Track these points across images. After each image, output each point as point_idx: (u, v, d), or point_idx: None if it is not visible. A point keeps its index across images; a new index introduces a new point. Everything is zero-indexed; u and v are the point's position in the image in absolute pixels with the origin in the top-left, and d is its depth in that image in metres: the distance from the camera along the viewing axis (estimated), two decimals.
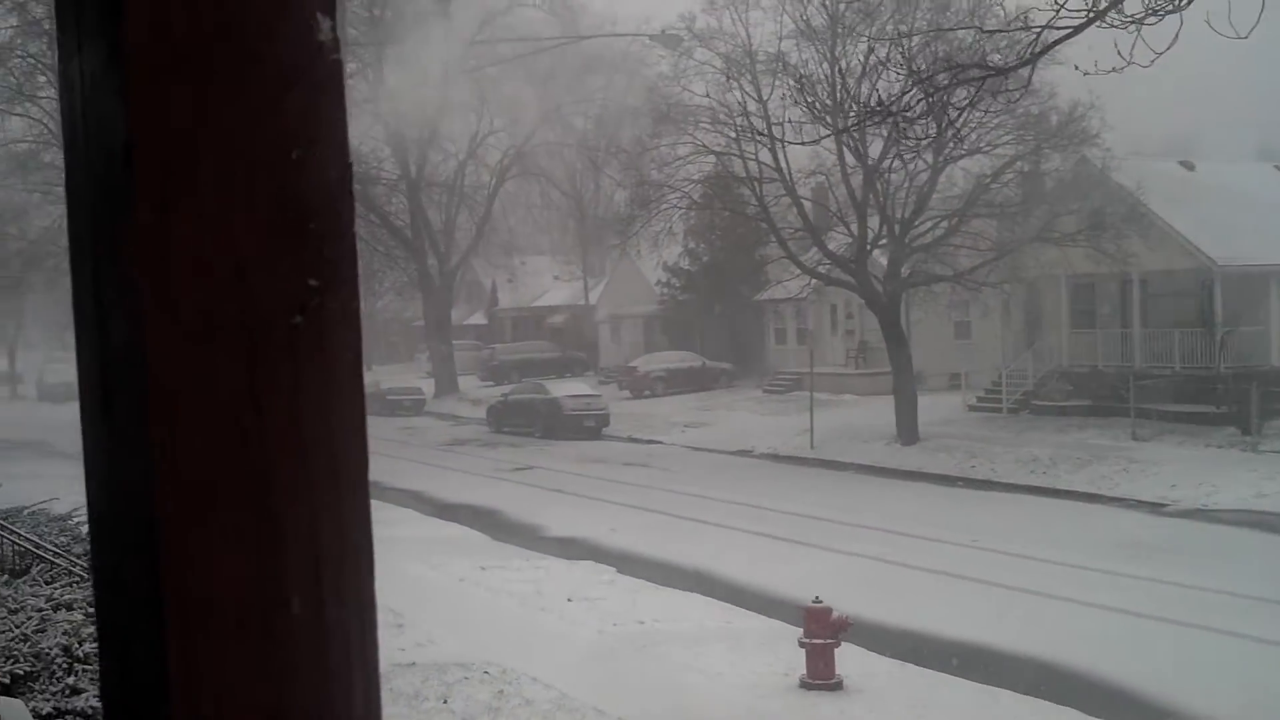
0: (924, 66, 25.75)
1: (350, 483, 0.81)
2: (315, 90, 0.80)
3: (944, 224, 30.03)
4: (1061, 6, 8.61)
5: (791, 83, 28.69)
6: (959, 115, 27.45)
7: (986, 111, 27.93)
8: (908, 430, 29.50)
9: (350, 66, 29.97)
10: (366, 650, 0.80)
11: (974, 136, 29.29)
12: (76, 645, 7.24)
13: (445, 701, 10.26)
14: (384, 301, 64.14)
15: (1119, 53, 7.12)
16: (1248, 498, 20.50)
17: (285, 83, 0.78)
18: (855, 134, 28.73)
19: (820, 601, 11.10)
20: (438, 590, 15.14)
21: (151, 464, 0.72)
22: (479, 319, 74.60)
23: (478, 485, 26.67)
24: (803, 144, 28.29)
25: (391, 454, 32.45)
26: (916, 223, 29.95)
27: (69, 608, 8.08)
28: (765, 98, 29.80)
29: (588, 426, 37.10)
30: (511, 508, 23.15)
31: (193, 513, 0.73)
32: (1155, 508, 20.86)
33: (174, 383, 0.74)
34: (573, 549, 18.78)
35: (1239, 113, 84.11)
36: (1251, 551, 17.03)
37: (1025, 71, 11.79)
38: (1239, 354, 29.16)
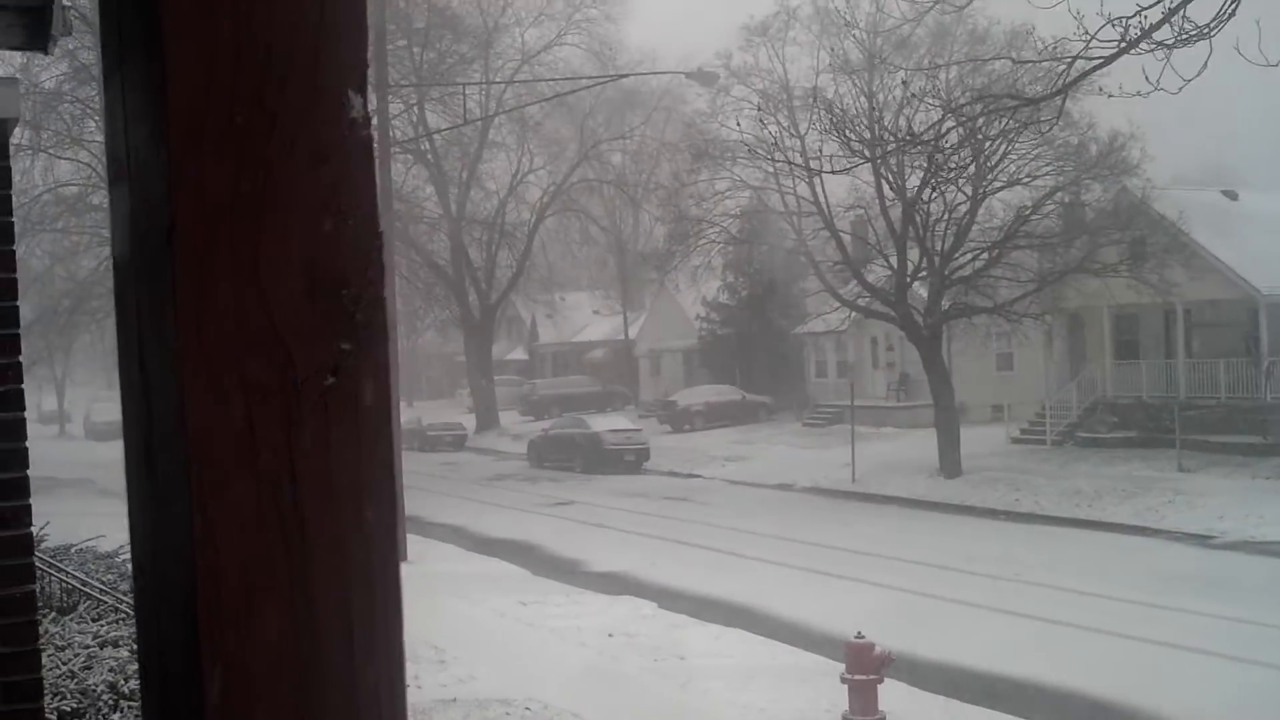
0: (959, 97, 25.90)
1: (380, 535, 0.85)
2: (346, 164, 0.84)
3: (984, 255, 29.93)
4: (1093, 36, 8.63)
5: (827, 115, 28.84)
6: (993, 144, 27.60)
7: (1021, 142, 27.96)
8: (950, 463, 29.29)
9: (394, 107, 30.32)
10: (396, 702, 0.83)
11: (1013, 168, 29.29)
12: (122, 682, 7.32)
13: None
14: (426, 338, 64.58)
15: (1147, 78, 7.11)
16: None
17: (318, 159, 0.83)
18: (894, 166, 28.78)
19: (862, 636, 11.00)
20: (478, 626, 15.15)
21: (191, 526, 0.76)
22: (519, 354, 74.91)
23: (518, 520, 26.71)
24: (835, 173, 28.40)
25: (433, 489, 32.59)
26: (956, 255, 29.86)
27: (115, 644, 8.17)
28: (802, 132, 29.90)
29: (628, 461, 37.10)
30: (552, 542, 23.16)
31: (232, 570, 0.77)
32: (1203, 540, 20.56)
33: (214, 447, 0.78)
34: (613, 584, 18.74)
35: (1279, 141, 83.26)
36: None
37: (1058, 101, 11.77)
38: None
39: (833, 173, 28.94)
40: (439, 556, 21.30)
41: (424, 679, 12.11)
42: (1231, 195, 34.83)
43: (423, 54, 44.87)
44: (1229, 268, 29.69)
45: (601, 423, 39.52)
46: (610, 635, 14.41)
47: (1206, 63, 6.95)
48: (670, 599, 17.25)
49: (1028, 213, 29.84)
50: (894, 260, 30.37)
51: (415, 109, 43.49)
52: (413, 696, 11.49)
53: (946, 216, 29.90)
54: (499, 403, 54.57)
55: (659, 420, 48.29)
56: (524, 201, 53.74)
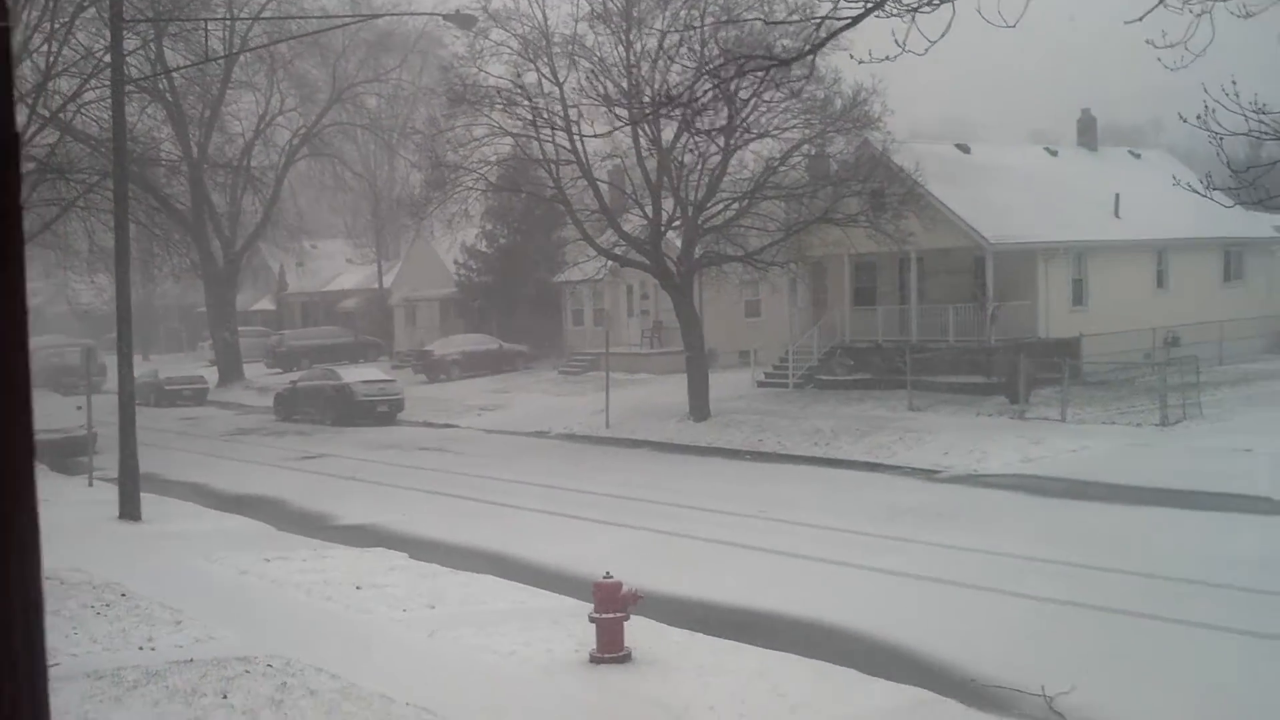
0: (713, 55, 26.29)
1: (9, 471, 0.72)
2: None
3: (734, 206, 30.64)
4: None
5: (587, 65, 28.78)
6: (745, 105, 28.21)
7: (772, 100, 28.69)
8: (700, 407, 30.05)
9: (129, 43, 28.35)
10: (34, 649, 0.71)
11: (763, 121, 29.98)
12: None
13: (225, 697, 9.87)
14: (163, 287, 61.39)
15: (896, 41, 7.35)
16: (1014, 462, 21.67)
17: None
18: (651, 120, 29.02)
19: (611, 577, 11.16)
20: (218, 585, 14.59)
21: None
22: (266, 304, 72.27)
23: (263, 475, 25.85)
24: (595, 136, 28.50)
25: (171, 446, 31.16)
26: (709, 204, 30.45)
27: None
28: (562, 80, 29.72)
29: (381, 412, 36.44)
30: (299, 498, 22.52)
31: None
32: (929, 474, 21.83)
33: None
34: (363, 537, 18.40)
35: (1012, 98, 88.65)
36: (1018, 513, 18.00)
37: (809, 60, 12.08)
38: (1008, 327, 30.77)
39: (594, 135, 29.06)
40: (177, 515, 20.40)
41: (158, 641, 11.58)
42: (964, 149, 36.76)
43: None
44: (960, 218, 31.40)
45: (353, 373, 38.62)
46: (358, 588, 14.13)
47: (950, 24, 7.21)
48: (422, 549, 17.07)
49: (776, 164, 30.68)
50: (649, 210, 30.72)
51: (152, 45, 40.81)
52: (145, 659, 10.96)
53: (700, 167, 30.43)
54: (245, 355, 52.54)
55: (414, 370, 47.63)
56: (272, 145, 51.64)
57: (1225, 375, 30.96)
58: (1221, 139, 7.38)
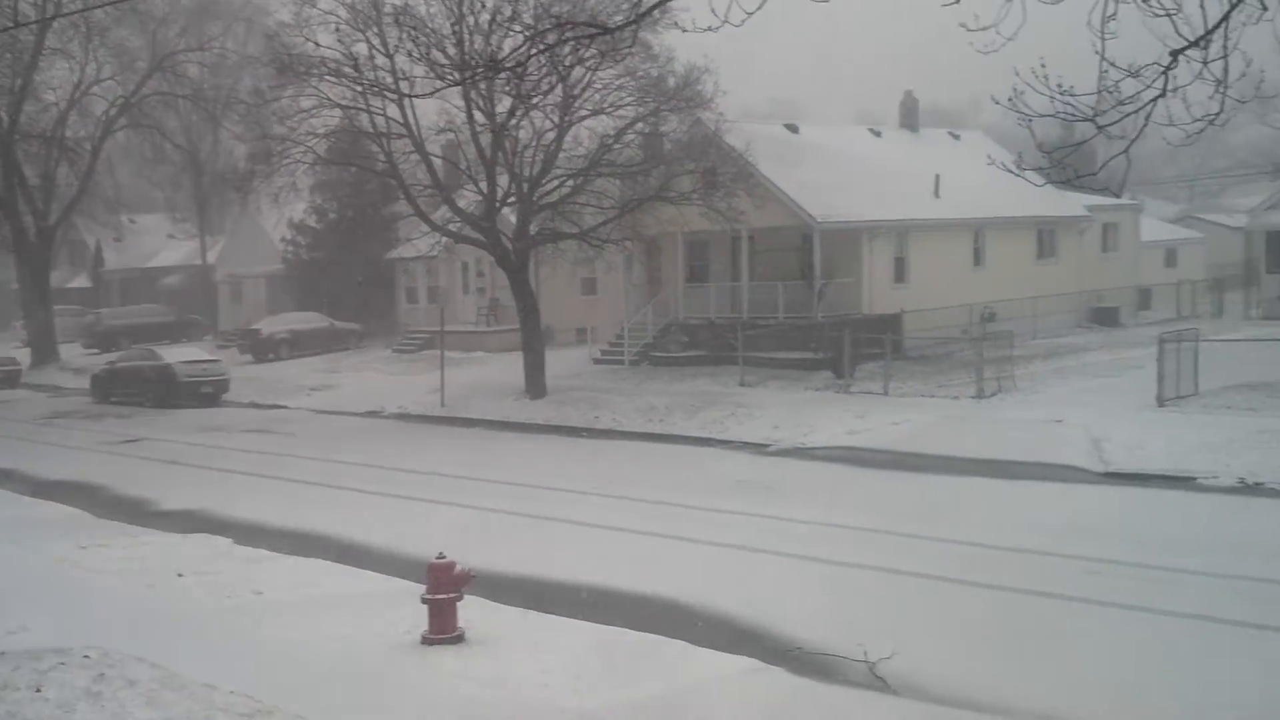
0: (543, 24, 26.18)
1: None
2: None
3: (570, 183, 30.62)
4: None
5: (419, 36, 28.24)
6: (570, 73, 28.21)
7: (605, 72, 28.75)
8: (536, 385, 30.04)
9: None
10: None
11: (598, 98, 30.01)
12: None
13: (39, 690, 9.47)
14: None
15: (714, 12, 7.43)
16: (840, 435, 22.32)
17: None
18: (483, 91, 28.73)
19: (444, 557, 11.11)
20: (32, 573, 13.96)
21: None
22: (83, 282, 69.17)
23: (80, 460, 24.81)
24: (421, 96, 27.99)
25: None
26: (544, 181, 30.36)
27: None
28: (392, 51, 29.12)
29: (205, 393, 35.37)
30: (118, 483, 21.69)
31: None
32: (760, 448, 22.32)
33: None
34: (186, 522, 17.85)
35: (838, 80, 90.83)
36: (843, 485, 18.56)
37: (634, 30, 12.14)
38: (835, 304, 31.62)
39: (422, 96, 28.59)
40: None
41: None
42: (793, 129, 37.53)
43: None
44: (789, 197, 32.07)
45: (175, 353, 37.34)
46: (181, 575, 13.72)
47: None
48: (248, 534, 16.67)
49: (611, 142, 30.78)
50: (484, 185, 30.45)
51: None
52: None
53: (535, 143, 30.30)
54: (60, 335, 50.23)
55: (240, 350, 46.35)
56: (89, 115, 49.36)
57: (1038, 349, 32.48)
58: (1031, 120, 7.71)
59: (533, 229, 31.01)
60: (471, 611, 11.37)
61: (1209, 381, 22.90)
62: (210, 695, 9.43)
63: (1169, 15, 7.16)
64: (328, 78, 29.46)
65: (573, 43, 21.22)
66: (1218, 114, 7.31)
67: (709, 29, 7.79)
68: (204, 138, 59.22)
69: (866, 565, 13.44)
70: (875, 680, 9.78)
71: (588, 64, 28.21)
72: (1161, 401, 22.23)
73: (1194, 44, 7.07)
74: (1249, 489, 16.46)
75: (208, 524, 17.64)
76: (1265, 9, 6.97)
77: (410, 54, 27.80)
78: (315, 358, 44.10)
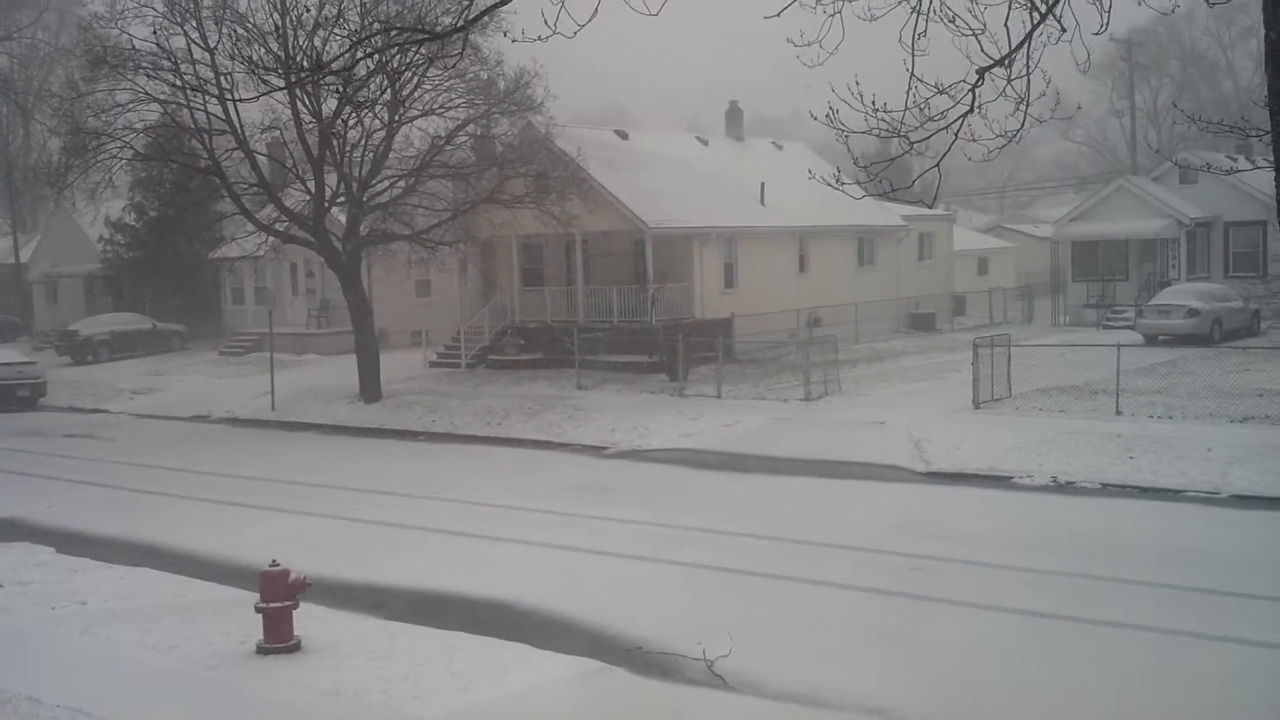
0: (371, 28, 25.92)
1: None
2: None
3: (400, 184, 30.33)
4: None
5: (240, 31, 27.55)
6: (407, 81, 28.01)
7: (434, 74, 28.58)
8: (370, 388, 29.66)
9: None
10: None
11: (427, 99, 29.81)
12: None
13: None
14: None
15: (546, 22, 7.57)
16: (675, 438, 22.75)
17: None
18: (310, 89, 28.20)
19: (277, 564, 10.99)
20: None
21: None
22: None
23: None
24: (245, 100, 27.39)
25: None
26: (374, 181, 29.99)
27: None
28: (212, 46, 28.33)
29: (21, 397, 33.87)
30: None
31: None
32: (597, 451, 22.59)
33: None
34: (3, 531, 17.11)
35: (666, 88, 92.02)
36: (678, 486, 18.94)
37: (463, 36, 12.18)
38: (668, 308, 32.14)
39: (242, 100, 27.91)
40: None
41: None
42: (623, 135, 37.92)
43: None
44: (621, 202, 32.42)
45: None
46: (1, 585, 13.18)
47: (597, 8, 7.49)
48: (71, 543, 16.11)
49: (441, 143, 30.60)
50: (312, 184, 29.90)
51: None
52: None
53: (364, 143, 29.91)
54: None
55: (58, 351, 44.41)
56: None
57: (861, 353, 33.64)
58: (848, 136, 8.09)
59: (363, 230, 30.59)
60: (308, 619, 11.29)
61: (1021, 385, 24.10)
62: (35, 710, 9.17)
63: (974, 35, 7.63)
64: (145, 71, 28.49)
65: (399, 47, 21.08)
66: (1019, 130, 7.81)
67: (539, 39, 7.92)
68: (15, 131, 56.45)
69: (703, 565, 13.80)
70: (714, 678, 10.09)
71: (416, 69, 28.02)
72: (977, 404, 23.31)
73: (999, 62, 7.54)
74: (1061, 487, 17.46)
75: (26, 533, 16.98)
76: (1064, 30, 7.50)
77: (231, 54, 27.14)
78: (138, 360, 42.56)
